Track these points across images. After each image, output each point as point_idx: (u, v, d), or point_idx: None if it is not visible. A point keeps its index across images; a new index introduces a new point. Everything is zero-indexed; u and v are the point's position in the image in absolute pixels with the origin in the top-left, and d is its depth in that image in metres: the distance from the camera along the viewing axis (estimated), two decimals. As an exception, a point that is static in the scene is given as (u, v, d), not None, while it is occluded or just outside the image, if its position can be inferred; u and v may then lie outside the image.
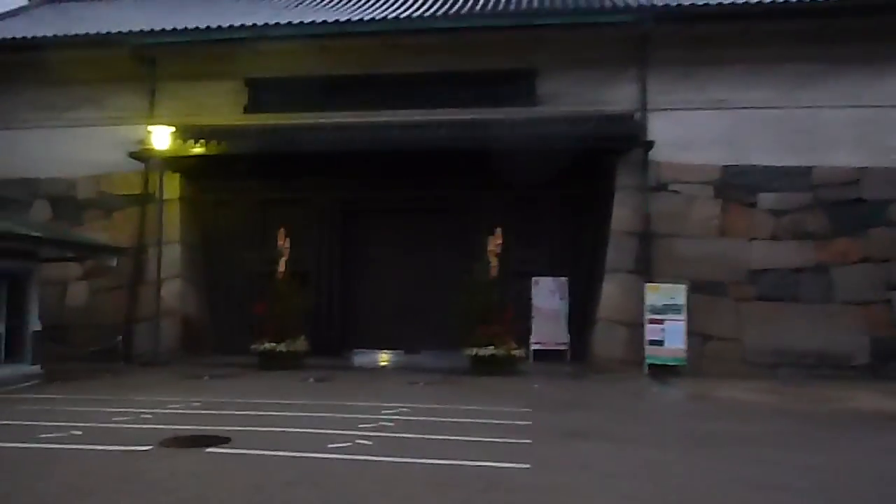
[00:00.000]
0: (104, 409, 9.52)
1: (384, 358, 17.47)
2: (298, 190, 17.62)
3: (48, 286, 16.21)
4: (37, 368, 13.69)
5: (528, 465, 6.66)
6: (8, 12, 21.28)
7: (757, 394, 12.34)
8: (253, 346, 15.01)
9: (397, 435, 7.95)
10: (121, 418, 8.86)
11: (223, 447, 7.26)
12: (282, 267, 15.40)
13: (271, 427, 8.31)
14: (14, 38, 17.30)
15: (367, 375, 14.37)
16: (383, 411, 9.56)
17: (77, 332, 16.58)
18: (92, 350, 15.99)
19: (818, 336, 15.08)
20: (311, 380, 13.20)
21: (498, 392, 11.90)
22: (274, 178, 17.42)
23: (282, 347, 14.74)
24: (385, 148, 16.15)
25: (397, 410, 9.65)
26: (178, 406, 9.87)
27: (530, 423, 8.88)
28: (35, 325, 14.05)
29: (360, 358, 17.27)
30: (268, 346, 14.80)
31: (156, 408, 9.70)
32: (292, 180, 17.42)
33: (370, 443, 7.51)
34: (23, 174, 17.82)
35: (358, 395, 11.34)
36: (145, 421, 8.72)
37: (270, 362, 14.78)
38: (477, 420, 8.96)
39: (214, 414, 9.29)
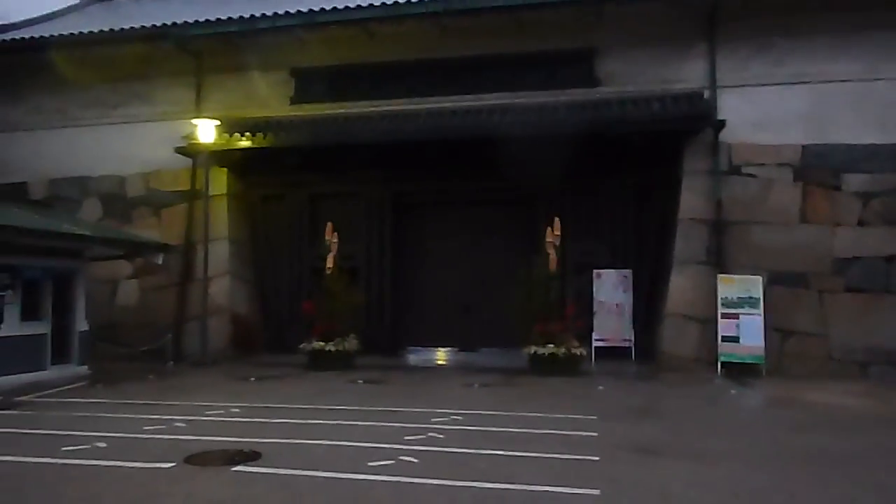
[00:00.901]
0: (138, 416, 8.86)
1: (439, 356, 16.56)
2: (349, 183, 16.84)
3: (98, 285, 15.87)
4: (84, 369, 13.27)
5: (596, 492, 5.62)
6: (58, 11, 21.09)
7: (851, 397, 10.97)
8: (301, 346, 14.28)
9: (446, 450, 6.99)
10: (152, 427, 8.15)
11: (252, 465, 6.43)
12: (330, 262, 14.61)
13: (309, 439, 7.45)
14: (62, 35, 16.96)
15: (419, 376, 13.47)
16: (433, 419, 8.62)
17: (128, 331, 16.16)
18: (143, 350, 15.55)
19: (914, 331, 13.51)
20: (361, 381, 12.37)
21: (559, 395, 10.84)
22: (323, 171, 16.68)
23: (331, 347, 13.97)
24: (437, 136, 15.19)
25: (449, 418, 8.71)
26: (216, 413, 9.14)
27: (596, 434, 7.81)
28: (82, 324, 13.63)
29: (414, 356, 16.40)
30: (317, 345, 14.04)
31: (193, 414, 8.99)
32: (342, 173, 16.65)
33: (415, 460, 6.58)
34: (75, 172, 17.55)
35: (408, 398, 10.45)
36: (177, 431, 7.98)
37: (320, 362, 14.02)
38: (536, 430, 7.94)
39: (252, 423, 8.51)
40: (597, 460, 6.64)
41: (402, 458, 6.62)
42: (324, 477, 6.01)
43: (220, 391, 11.28)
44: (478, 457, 6.72)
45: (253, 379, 12.72)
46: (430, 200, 17.04)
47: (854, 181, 14.27)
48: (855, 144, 14.32)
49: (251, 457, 6.68)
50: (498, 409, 9.36)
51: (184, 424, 8.33)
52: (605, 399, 10.60)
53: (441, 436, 7.64)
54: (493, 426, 8.18)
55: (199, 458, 6.64)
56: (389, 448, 7.02)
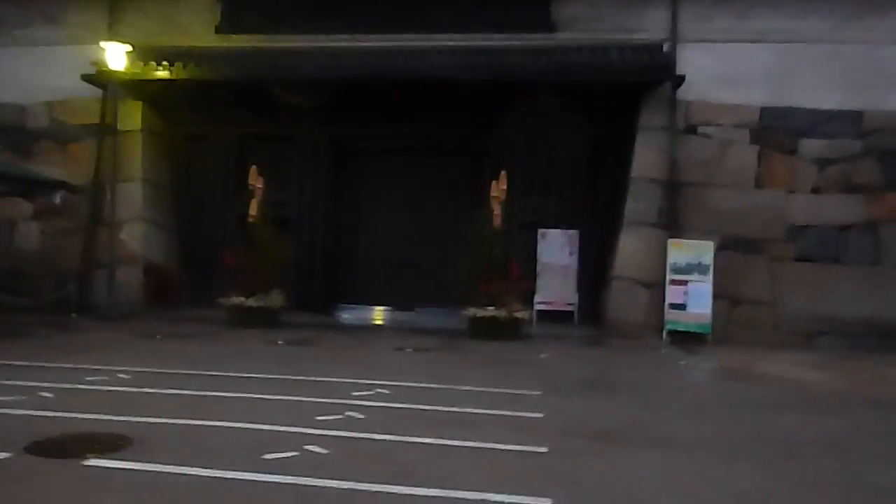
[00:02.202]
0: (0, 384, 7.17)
1: (374, 316, 15.09)
2: (282, 124, 15.00)
3: (-8, 225, 13.82)
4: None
5: (547, 502, 4.31)
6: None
7: (806, 370, 10.01)
8: (219, 300, 12.62)
9: (365, 436, 5.58)
10: (10, 398, 6.49)
11: (114, 456, 4.89)
12: (254, 210, 12.88)
13: (201, 418, 5.94)
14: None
15: (349, 337, 12.02)
16: (356, 392, 7.20)
17: (28, 279, 14.19)
18: (48, 299, 13.66)
19: (864, 302, 12.74)
20: (282, 342, 10.86)
21: (499, 364, 9.56)
22: (254, 111, 14.80)
23: (253, 302, 12.35)
24: (381, 76, 13.50)
25: (374, 391, 7.30)
26: (99, 380, 7.51)
27: (542, 415, 6.52)
28: (-33, 270, 11.68)
29: (347, 315, 14.91)
30: (237, 300, 12.41)
31: (68, 381, 7.34)
32: (275, 113, 14.78)
33: (324, 451, 5.15)
34: (-33, 100, 15.20)
35: (331, 365, 9.00)
36: (38, 405, 6.34)
37: (240, 319, 12.42)
38: (473, 410, 6.60)
39: (138, 394, 6.93)
40: (546, 452, 5.33)
41: (308, 447, 5.18)
42: (201, 476, 4.53)
43: (116, 351, 9.61)
44: (402, 447, 5.34)
45: (159, 337, 11.07)
46: (371, 147, 15.40)
47: (812, 146, 13.29)
48: (815, 108, 13.32)
49: (118, 444, 5.14)
50: (431, 381, 8.00)
51: (50, 395, 6.69)
52: (550, 369, 9.36)
53: (361, 416, 6.22)
54: (424, 403, 6.80)
55: (47, 446, 5.06)
56: (296, 433, 5.57)
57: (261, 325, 12.32)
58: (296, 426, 5.75)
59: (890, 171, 12.95)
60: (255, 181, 12.99)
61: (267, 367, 8.59)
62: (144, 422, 5.76)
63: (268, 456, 4.94)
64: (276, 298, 12.65)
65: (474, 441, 5.50)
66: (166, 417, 5.92)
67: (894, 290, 12.71)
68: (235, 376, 7.92)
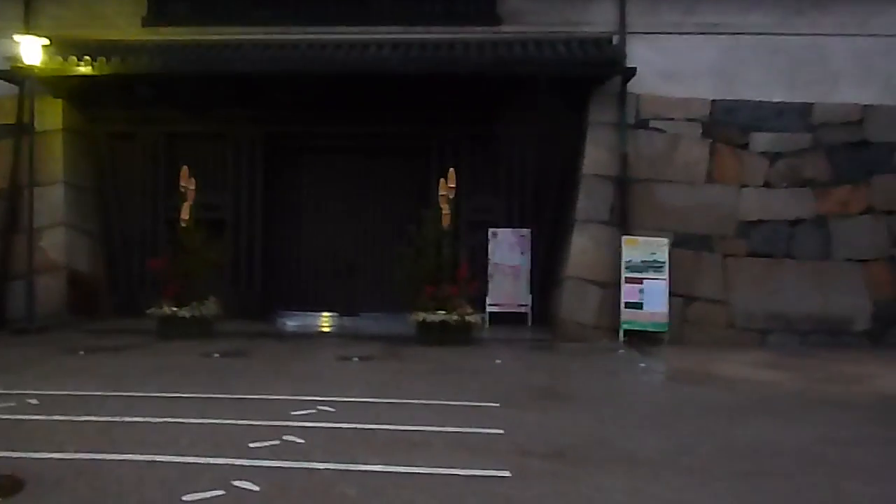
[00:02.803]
0: None
1: (317, 323, 14.32)
2: (214, 121, 14.14)
3: None
4: None
5: (515, 540, 3.74)
6: None
7: (764, 370, 9.74)
8: (149, 311, 11.71)
9: (304, 466, 4.92)
10: None
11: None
12: (185, 213, 12.00)
13: (112, 451, 5.18)
14: None
15: (290, 346, 11.27)
16: (295, 411, 6.52)
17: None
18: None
19: (814, 298, 12.61)
20: (217, 354, 10.05)
21: (451, 372, 8.98)
22: (183, 107, 13.92)
23: (185, 312, 11.48)
24: (318, 71, 12.79)
25: (316, 409, 6.63)
26: (2, 406, 6.63)
27: (502, 431, 5.97)
28: None
29: (289, 323, 14.10)
30: (167, 310, 11.52)
31: (-33, 409, 6.46)
32: (206, 109, 13.94)
33: (254, 487, 4.47)
34: None
35: (269, 379, 8.28)
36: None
37: (171, 330, 11.53)
38: (425, 427, 6.00)
39: (45, 422, 6.10)
40: (508, 477, 4.77)
41: (236, 483, 4.49)
42: (105, 528, 3.82)
43: (31, 370, 8.68)
44: (345, 478, 4.70)
45: (82, 352, 10.14)
46: (309, 146, 14.64)
47: (761, 140, 13.11)
48: (764, 101, 13.14)
49: (7, 488, 4.36)
50: (379, 395, 7.37)
51: (-61, 428, 5.82)
52: (505, 376, 8.83)
53: (300, 440, 5.55)
54: (372, 422, 6.17)
55: (-81, 495, 4.26)
56: (223, 465, 4.88)
57: (194, 335, 11.47)
58: (223, 456, 5.05)
59: (838, 165, 12.87)
60: (187, 182, 12.11)
61: (197, 384, 7.83)
62: (46, 458, 4.97)
63: (187, 497, 4.23)
64: (210, 307, 11.81)
65: (429, 466, 4.90)
66: (73, 451, 5.15)
67: (842, 285, 12.62)
68: (160, 397, 7.14)
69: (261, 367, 9.24)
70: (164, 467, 4.83)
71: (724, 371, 9.61)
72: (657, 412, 6.99)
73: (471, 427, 6.04)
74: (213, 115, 14.05)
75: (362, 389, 7.62)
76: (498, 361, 9.91)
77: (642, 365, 10.12)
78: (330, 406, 6.76)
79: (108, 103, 13.93)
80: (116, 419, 6.16)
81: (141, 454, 5.08)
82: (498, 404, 7.01)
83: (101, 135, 14.34)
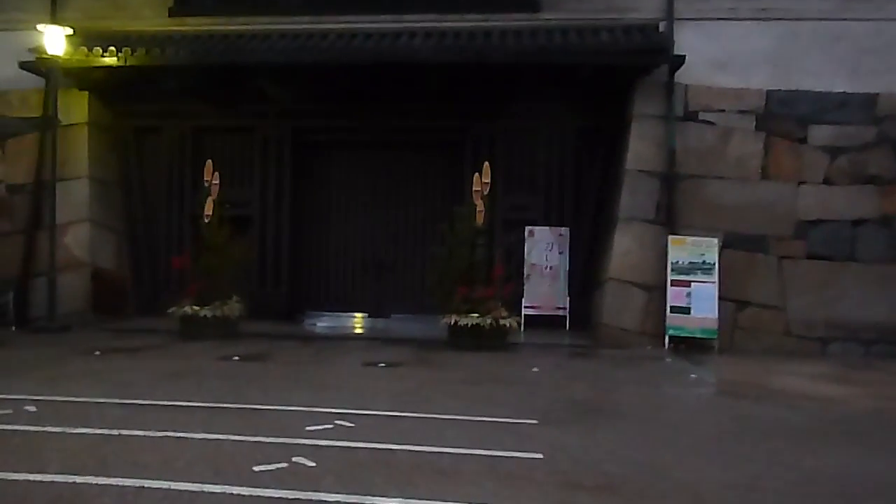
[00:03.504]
0: None
1: (345, 324, 13.67)
2: (241, 115, 13.63)
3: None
4: None
5: None
6: None
7: (828, 384, 8.80)
8: (171, 310, 11.19)
9: (306, 497, 4.21)
10: None
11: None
12: (209, 209, 11.44)
13: (98, 474, 4.53)
14: None
15: (314, 349, 10.62)
16: (310, 426, 5.82)
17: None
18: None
19: (879, 305, 11.59)
20: (237, 357, 9.44)
21: (484, 382, 8.22)
22: (210, 101, 13.42)
23: (207, 312, 10.92)
24: (348, 61, 12.12)
25: (333, 425, 5.92)
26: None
27: (541, 456, 5.19)
28: None
29: (315, 324, 13.48)
30: (189, 309, 10.98)
31: (-42, 417, 5.90)
32: (233, 103, 13.43)
33: (252, 526, 3.77)
34: None
35: (287, 386, 7.62)
36: None
37: (194, 330, 11.00)
38: (455, 450, 5.25)
39: (35, 435, 5.49)
40: (550, 518, 4.00)
41: (230, 521, 3.80)
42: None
43: (40, 372, 8.16)
44: (357, 517, 3.97)
45: (98, 353, 9.62)
46: (338, 140, 14.01)
47: (821, 133, 12.08)
48: (824, 92, 12.12)
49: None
50: (405, 407, 6.64)
51: (-83, 441, 5.25)
52: (543, 387, 8.03)
53: (311, 464, 4.85)
54: (395, 441, 5.44)
55: None
56: (220, 494, 4.19)
57: (217, 336, 10.93)
58: (221, 482, 4.37)
59: (906, 161, 11.78)
60: (211, 177, 11.56)
61: (209, 391, 7.19)
62: (22, 480, 4.35)
63: (169, 538, 3.56)
64: (233, 307, 11.24)
65: (456, 502, 4.15)
66: (55, 472, 4.52)
67: (911, 290, 11.54)
68: (167, 406, 6.51)
69: (280, 372, 8.59)
70: (153, 495, 4.16)
71: (783, 385, 8.69)
72: (716, 434, 6.13)
73: (506, 450, 5.28)
74: (240, 108, 13.55)
75: (386, 401, 6.91)
76: (535, 370, 9.12)
77: (693, 376, 9.23)
78: (349, 420, 6.05)
79: (134, 96, 13.48)
80: (114, 432, 5.53)
81: (131, 478, 4.43)
82: (536, 421, 6.23)
83: (126, 129, 13.91)
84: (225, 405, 6.56)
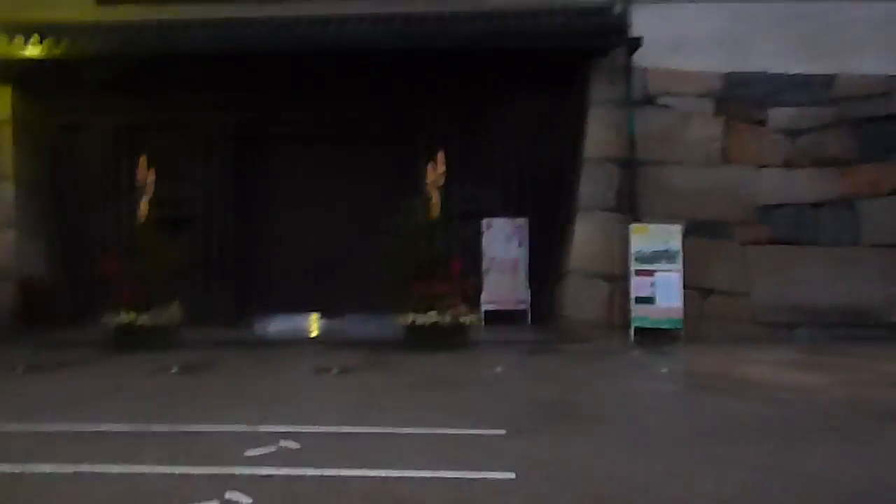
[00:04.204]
0: None
1: (295, 327, 12.81)
2: (177, 109, 12.68)
3: None
4: None
5: None
6: None
7: (801, 372, 8.38)
8: (103, 320, 10.21)
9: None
10: None
11: None
12: (143, 210, 10.49)
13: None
14: None
15: (261, 357, 9.78)
16: (251, 449, 5.04)
17: None
18: None
19: (843, 287, 11.30)
20: (175, 370, 8.55)
21: (446, 385, 7.53)
22: (143, 94, 12.46)
23: (144, 320, 9.98)
24: (292, 50, 11.40)
25: (277, 447, 5.14)
26: None
27: (513, 476, 4.51)
28: None
29: (264, 328, 12.61)
30: (123, 318, 10.02)
31: None
32: (168, 96, 12.47)
33: None
34: None
35: (229, 401, 6.79)
36: None
37: (129, 340, 10.05)
38: (412, 474, 4.54)
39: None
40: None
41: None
42: None
43: (-56, 396, 7.16)
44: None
45: (20, 370, 8.61)
46: (283, 134, 13.17)
47: (780, 115, 11.76)
48: (782, 73, 11.80)
49: None
50: (358, 420, 5.90)
51: None
52: (508, 390, 7.38)
53: (247, 500, 4.07)
54: (346, 465, 4.70)
55: None
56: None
57: (155, 346, 10.00)
58: (135, 534, 3.57)
59: (865, 141, 11.53)
60: (144, 175, 10.59)
61: (140, 412, 6.33)
62: None
63: None
64: (172, 313, 10.31)
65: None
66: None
67: (872, 272, 11.29)
68: (87, 432, 5.64)
69: (222, 385, 7.75)
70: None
71: (756, 375, 8.22)
72: (699, 437, 5.54)
73: (473, 469, 4.58)
74: (177, 102, 12.60)
75: (338, 413, 6.16)
76: (498, 370, 8.47)
77: (663, 370, 8.70)
78: (295, 440, 5.28)
79: (62, 91, 12.44)
80: (17, 469, 4.66)
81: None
82: (504, 431, 5.55)
83: (54, 126, 12.86)
84: (155, 428, 5.72)
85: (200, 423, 5.85)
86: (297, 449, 5.10)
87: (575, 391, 7.29)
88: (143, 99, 12.36)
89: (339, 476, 4.49)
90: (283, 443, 5.22)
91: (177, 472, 4.57)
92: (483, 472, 4.52)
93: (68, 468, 4.66)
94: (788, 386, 7.61)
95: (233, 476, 4.48)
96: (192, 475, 4.50)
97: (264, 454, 4.97)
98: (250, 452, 4.99)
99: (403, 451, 5.03)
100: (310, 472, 4.56)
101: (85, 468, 4.66)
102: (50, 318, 12.05)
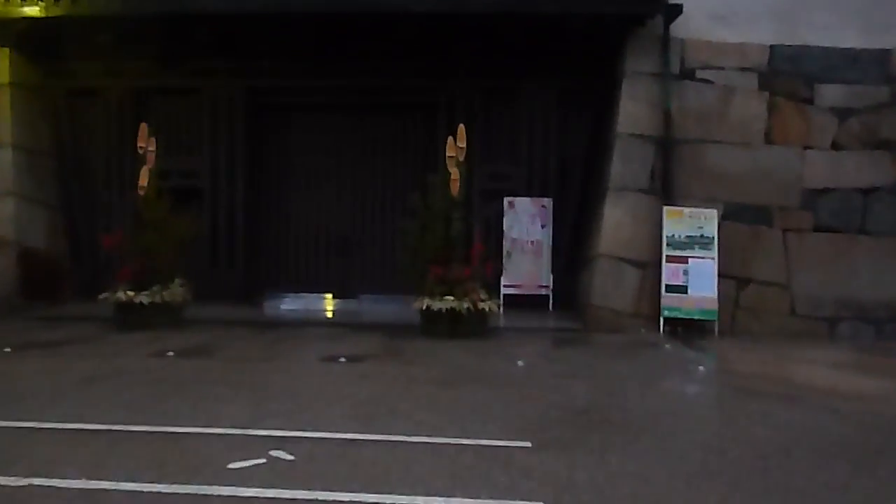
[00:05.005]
0: None
1: (307, 307, 12.02)
2: (188, 74, 11.85)
3: None
4: None
5: None
6: None
7: (855, 375, 7.52)
8: (102, 296, 9.49)
9: None
10: None
11: None
12: (144, 180, 9.70)
13: None
14: None
15: (267, 340, 9.01)
16: (234, 462, 4.24)
17: None
18: None
19: (890, 281, 10.30)
20: (171, 353, 7.80)
21: (462, 381, 6.69)
22: (154, 59, 11.61)
23: (143, 298, 9.23)
24: (309, 10, 10.41)
25: (263, 460, 4.35)
26: None
27: (543, 505, 3.68)
28: None
29: (274, 307, 11.86)
30: (122, 295, 9.28)
31: None
32: (180, 61, 11.63)
33: None
34: None
35: (221, 395, 6.01)
36: None
37: (131, 318, 9.32)
38: (422, 501, 3.72)
39: None
40: None
41: None
42: None
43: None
44: None
45: (8, 350, 7.90)
46: (298, 102, 12.27)
47: (829, 93, 10.65)
48: (832, 47, 10.66)
49: None
50: (364, 425, 5.09)
51: None
52: (531, 388, 6.53)
53: (220, 537, 3.28)
54: (343, 487, 3.90)
55: None
56: None
57: (158, 324, 9.28)
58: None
59: (922, 123, 10.38)
60: (146, 143, 9.79)
61: (122, 404, 5.59)
62: None
63: None
64: (176, 290, 9.56)
65: None
66: None
67: (926, 264, 10.24)
68: (58, 430, 4.89)
69: (220, 373, 6.97)
70: None
71: (806, 378, 7.33)
72: (757, 458, 4.66)
73: (494, 496, 3.76)
74: (187, 67, 11.78)
75: (341, 415, 5.35)
76: (520, 363, 7.62)
77: (701, 368, 7.81)
78: (288, 449, 4.48)
79: (67, 54, 11.65)
80: (-38, 479, 3.91)
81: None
82: (529, 443, 4.72)
83: (59, 91, 12.04)
84: (134, 427, 4.95)
85: (185, 424, 5.07)
86: (289, 462, 4.30)
87: (606, 393, 6.43)
88: (152, 63, 11.54)
89: (335, 502, 3.68)
90: (274, 452, 4.43)
91: (144, 490, 3.79)
92: (508, 501, 3.69)
93: (21, 480, 3.90)
94: (846, 392, 6.70)
95: (208, 498, 3.68)
96: (161, 495, 3.72)
97: (251, 467, 4.18)
98: (235, 464, 4.21)
99: (414, 467, 4.22)
100: (301, 495, 3.76)
101: (40, 481, 3.89)
102: (53, 293, 11.39)
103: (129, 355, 7.70)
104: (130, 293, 9.21)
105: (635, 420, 5.49)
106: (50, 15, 10.43)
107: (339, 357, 7.71)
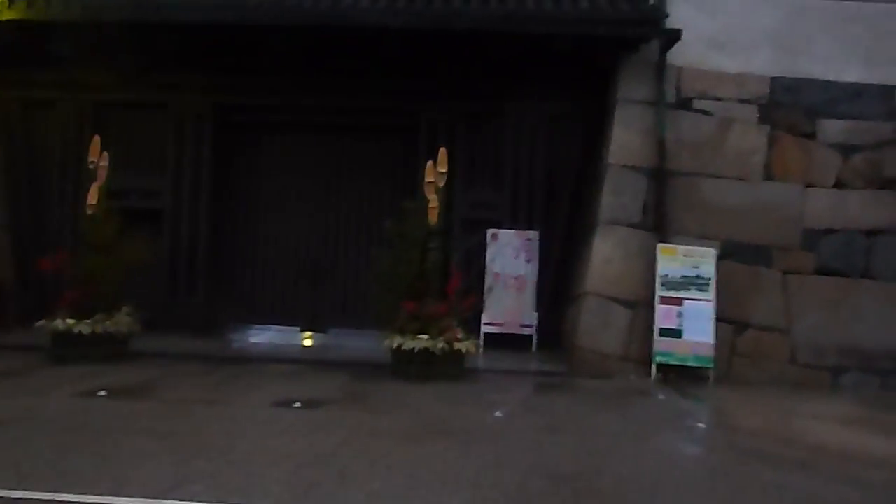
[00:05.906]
0: None
1: (270, 341, 11.03)
2: (152, 88, 11.00)
3: None
4: None
5: None
6: None
7: (868, 434, 6.74)
8: (39, 324, 8.50)
9: None
10: None
11: None
12: (92, 198, 8.78)
13: None
14: None
15: (217, 378, 8.03)
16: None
17: None
18: None
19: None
20: (103, 393, 6.81)
21: (431, 437, 5.76)
22: (115, 69, 10.77)
23: (83, 327, 8.25)
24: (281, 25, 9.72)
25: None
26: None
27: None
28: None
29: (235, 339, 10.87)
30: (60, 323, 8.30)
31: None
32: (143, 74, 10.82)
33: None
34: None
35: (142, 451, 5.03)
36: None
37: (69, 350, 8.32)
38: None
39: None
40: None
41: None
42: None
43: None
44: None
45: (-85, 385, 6.89)
46: (270, 121, 11.45)
47: (832, 128, 10.01)
48: (836, 81, 10.05)
49: None
50: (300, 501, 4.15)
51: None
52: (510, 447, 5.61)
53: None
54: None
55: None
56: None
57: (100, 357, 8.31)
58: None
59: (929, 161, 9.74)
60: (97, 157, 8.89)
61: (24, 457, 4.60)
62: None
63: None
64: (122, 319, 8.59)
65: None
66: None
67: (933, 312, 9.49)
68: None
69: (152, 418, 6.00)
70: None
71: (816, 437, 6.47)
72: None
73: None
74: (151, 80, 10.95)
75: (278, 479, 4.41)
76: (498, 414, 6.72)
77: (700, 425, 6.94)
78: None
79: (22, 63, 10.75)
80: None
81: None
82: (505, 527, 3.79)
83: (12, 102, 11.15)
84: (19, 495, 3.97)
85: (79, 490, 4.10)
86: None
87: (595, 453, 5.53)
88: (112, 75, 10.68)
89: None
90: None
91: None
92: None
93: None
94: (862, 456, 5.86)
95: None
96: None
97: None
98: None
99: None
100: None
101: None
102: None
103: (52, 394, 6.72)
104: (70, 321, 8.22)
105: (629, 492, 4.60)
106: (2, 19, 9.60)
107: (294, 402, 6.76)
